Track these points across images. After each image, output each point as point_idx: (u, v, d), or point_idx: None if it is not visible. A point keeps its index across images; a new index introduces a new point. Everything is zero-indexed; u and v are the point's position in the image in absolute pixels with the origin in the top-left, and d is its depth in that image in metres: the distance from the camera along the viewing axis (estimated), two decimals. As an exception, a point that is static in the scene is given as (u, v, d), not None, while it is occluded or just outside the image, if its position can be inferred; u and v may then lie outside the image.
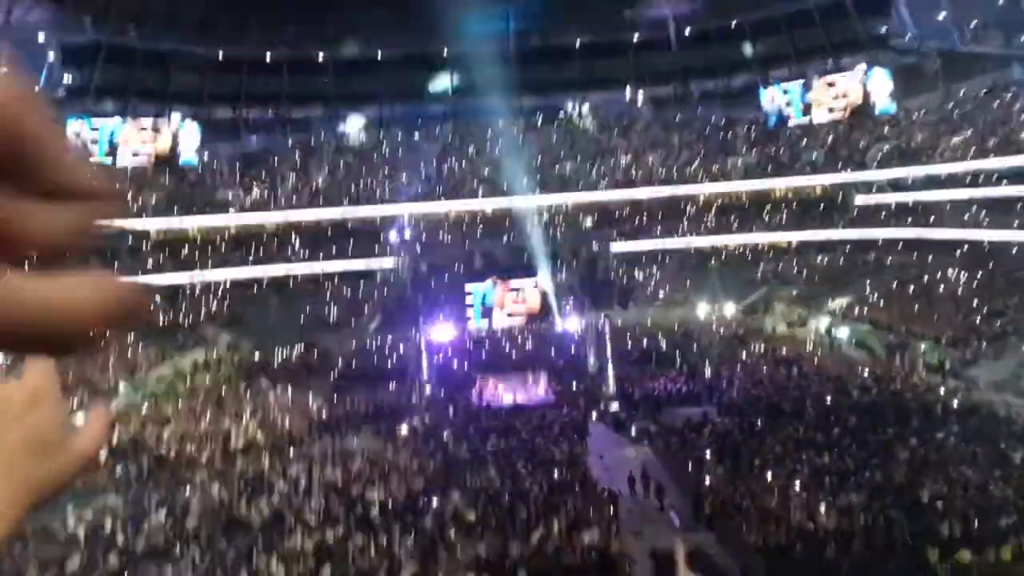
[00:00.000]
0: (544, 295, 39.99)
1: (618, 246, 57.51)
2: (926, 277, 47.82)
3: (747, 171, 61.59)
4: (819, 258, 56.00)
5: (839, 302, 47.26)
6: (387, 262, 55.79)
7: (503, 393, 38.08)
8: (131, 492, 25.37)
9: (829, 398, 31.51)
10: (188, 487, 25.81)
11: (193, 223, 59.97)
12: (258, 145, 69.84)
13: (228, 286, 57.70)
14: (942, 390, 32.00)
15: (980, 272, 45.81)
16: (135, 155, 58.75)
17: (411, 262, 54.55)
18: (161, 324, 51.38)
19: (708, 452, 26.35)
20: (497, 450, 28.41)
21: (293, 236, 60.46)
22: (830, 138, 61.91)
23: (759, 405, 31.77)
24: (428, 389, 37.50)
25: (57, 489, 0.87)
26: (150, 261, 57.04)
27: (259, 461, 28.57)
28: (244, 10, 64.27)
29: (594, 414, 33.61)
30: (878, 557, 18.57)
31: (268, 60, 68.15)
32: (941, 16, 56.33)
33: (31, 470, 0.84)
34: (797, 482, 22.82)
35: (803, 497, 21.61)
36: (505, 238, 56.93)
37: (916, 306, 43.86)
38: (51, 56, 56.82)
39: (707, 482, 23.81)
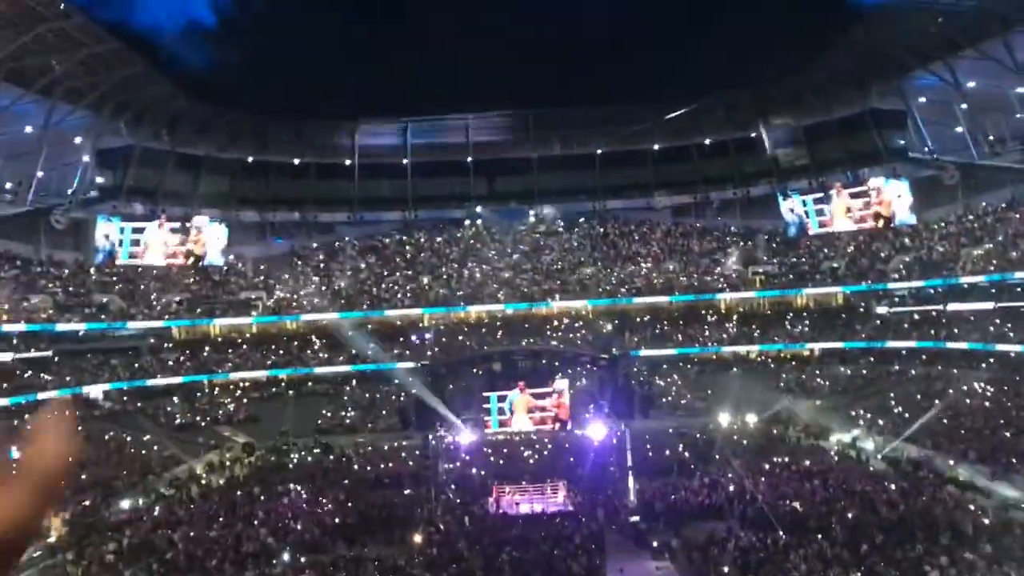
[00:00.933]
0: (564, 402, 39.46)
1: (639, 353, 57.28)
2: (951, 389, 47.12)
3: (767, 279, 61.72)
4: (842, 368, 55.51)
5: (863, 414, 46.57)
6: (407, 364, 55.67)
7: (520, 501, 37.33)
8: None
9: (855, 513, 30.67)
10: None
11: (215, 323, 60.50)
12: (283, 247, 70.86)
13: (247, 386, 57.76)
14: (971, 507, 31.10)
15: (1006, 385, 45.13)
16: (161, 255, 59.61)
17: (430, 365, 54.38)
18: (178, 424, 51.41)
19: (731, 568, 25.58)
20: (513, 561, 27.71)
21: (313, 337, 60.67)
22: (850, 248, 62.06)
23: (784, 520, 30.94)
24: (444, 496, 36.81)
25: None
26: (171, 360, 57.32)
27: (270, 567, 27.98)
28: (272, 117, 66.22)
29: (614, 526, 32.88)
30: None
31: (296, 164, 69.61)
32: (959, 130, 56.95)
33: None
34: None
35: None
36: (525, 342, 56.90)
37: (942, 419, 43.05)
38: (86, 158, 58.32)
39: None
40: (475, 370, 51.91)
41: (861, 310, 59.17)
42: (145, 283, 60.32)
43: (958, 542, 26.91)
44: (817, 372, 55.54)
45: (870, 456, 41.35)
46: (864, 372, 54.41)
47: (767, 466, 40.22)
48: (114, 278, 59.55)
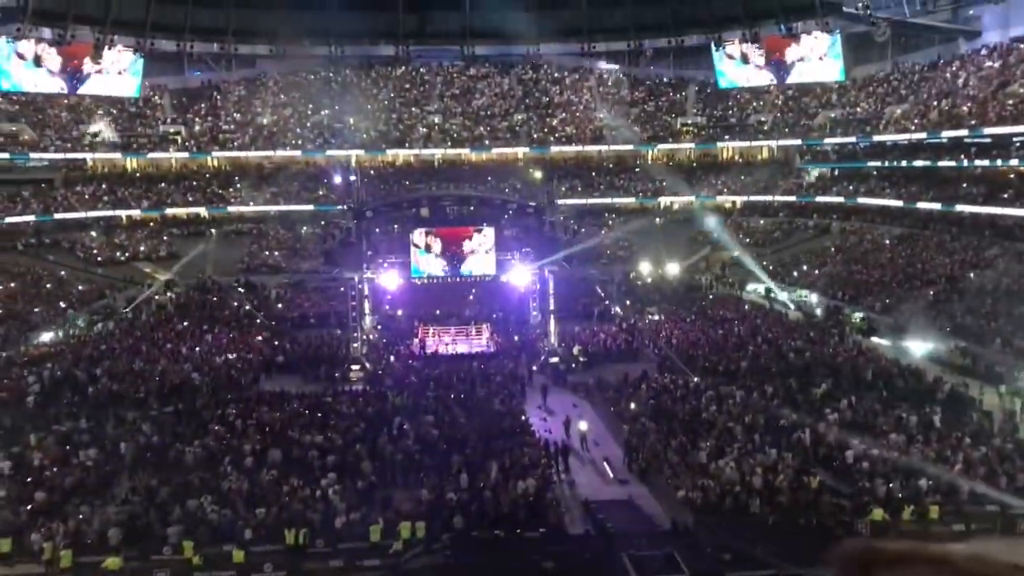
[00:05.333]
0: (491, 246, 39.62)
1: (566, 201, 57.53)
2: (864, 244, 48.90)
3: (696, 132, 62.07)
4: (761, 221, 56.84)
5: (778, 266, 48.12)
6: (333, 205, 55.11)
7: (444, 343, 38.10)
8: (61, 429, 24.89)
9: (764, 359, 32.14)
10: (121, 426, 25.45)
11: (134, 157, 58.66)
12: (202, 80, 68.03)
13: (167, 222, 56.62)
14: (874, 355, 32.81)
15: (916, 242, 46.89)
16: (69, 82, 56.79)
17: (357, 207, 53.76)
18: (97, 259, 50.41)
19: (644, 408, 26.78)
20: (438, 397, 28.51)
21: (235, 175, 59.27)
22: (779, 102, 62.44)
23: (696, 363, 32.30)
24: (369, 336, 37.23)
25: None
26: (87, 194, 55.70)
27: (194, 401, 28.25)
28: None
29: (534, 367, 33.88)
30: (802, 514, 19.17)
31: (215, -9, 65.90)
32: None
33: None
34: (729, 440, 23.35)
35: (734, 455, 22.11)
36: (453, 187, 56.54)
37: (853, 272, 44.81)
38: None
39: (641, 437, 24.22)
40: (402, 214, 51.53)
41: (784, 164, 60.13)
42: (56, 112, 57.69)
43: (858, 387, 28.57)
44: (738, 224, 56.79)
45: (783, 306, 43.02)
46: (783, 225, 55.83)
47: (683, 313, 41.69)
48: (22, 106, 56.75)
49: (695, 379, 30.16)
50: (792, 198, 56.27)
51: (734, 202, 59.22)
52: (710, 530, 18.86)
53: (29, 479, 21.29)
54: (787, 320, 40.01)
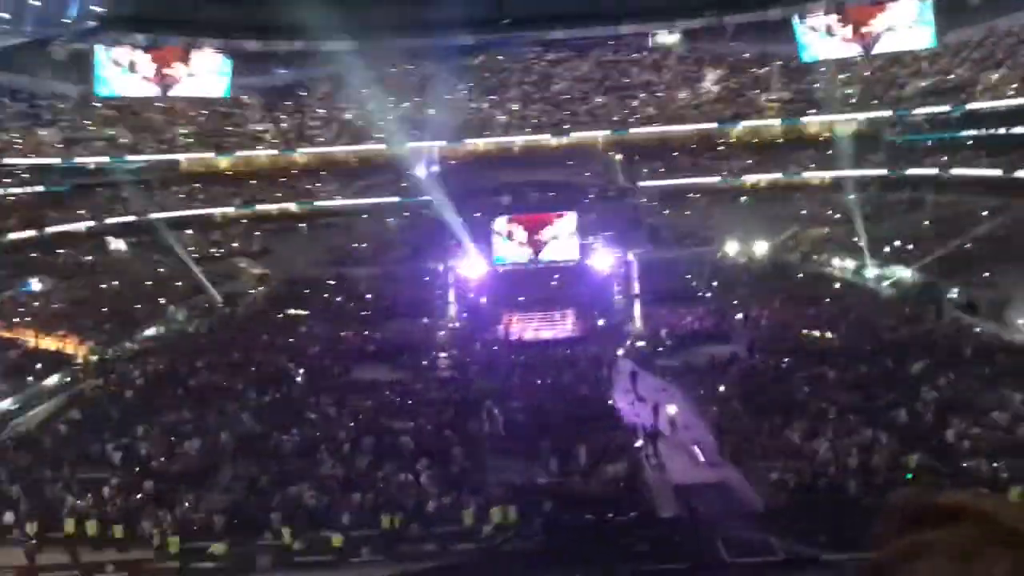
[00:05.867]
0: (574, 231, 39.53)
1: (648, 183, 57.10)
2: (960, 217, 47.13)
3: (781, 107, 60.67)
4: (852, 196, 55.22)
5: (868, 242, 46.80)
6: (416, 196, 55.80)
7: (530, 329, 38.31)
8: (165, 420, 25.92)
9: (857, 338, 31.41)
10: (222, 416, 26.34)
11: (225, 157, 60.35)
12: (288, 78, 69.39)
13: (259, 219, 58.13)
14: (973, 331, 31.75)
15: (1014, 215, 45.01)
16: (162, 86, 58.69)
17: (439, 197, 54.38)
18: (194, 257, 51.95)
19: (735, 390, 26.49)
20: (523, 384, 28.74)
21: (322, 170, 60.49)
22: (867, 73, 60.56)
23: (787, 345, 31.75)
24: (456, 324, 37.76)
25: None
26: (182, 194, 57.56)
27: (289, 390, 29.11)
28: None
29: (620, 351, 33.78)
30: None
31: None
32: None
33: None
34: (823, 421, 22.94)
35: (829, 436, 21.72)
36: (534, 175, 56.65)
37: (948, 246, 43.27)
38: (80, -14, 56.26)
39: (732, 419, 23.99)
40: (484, 202, 51.95)
41: (874, 138, 58.31)
42: (151, 115, 59.74)
43: (956, 365, 27.66)
44: (827, 201, 55.36)
45: (875, 283, 41.87)
46: (874, 200, 54.16)
47: (773, 293, 40.92)
48: (119, 111, 58.91)
49: (786, 360, 29.71)
50: (883, 171, 54.51)
51: (822, 178, 57.80)
52: (804, 512, 18.62)
53: (138, 468, 22.28)
54: (880, 297, 38.95)
